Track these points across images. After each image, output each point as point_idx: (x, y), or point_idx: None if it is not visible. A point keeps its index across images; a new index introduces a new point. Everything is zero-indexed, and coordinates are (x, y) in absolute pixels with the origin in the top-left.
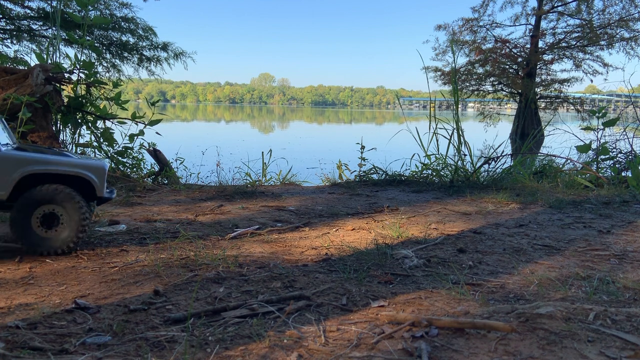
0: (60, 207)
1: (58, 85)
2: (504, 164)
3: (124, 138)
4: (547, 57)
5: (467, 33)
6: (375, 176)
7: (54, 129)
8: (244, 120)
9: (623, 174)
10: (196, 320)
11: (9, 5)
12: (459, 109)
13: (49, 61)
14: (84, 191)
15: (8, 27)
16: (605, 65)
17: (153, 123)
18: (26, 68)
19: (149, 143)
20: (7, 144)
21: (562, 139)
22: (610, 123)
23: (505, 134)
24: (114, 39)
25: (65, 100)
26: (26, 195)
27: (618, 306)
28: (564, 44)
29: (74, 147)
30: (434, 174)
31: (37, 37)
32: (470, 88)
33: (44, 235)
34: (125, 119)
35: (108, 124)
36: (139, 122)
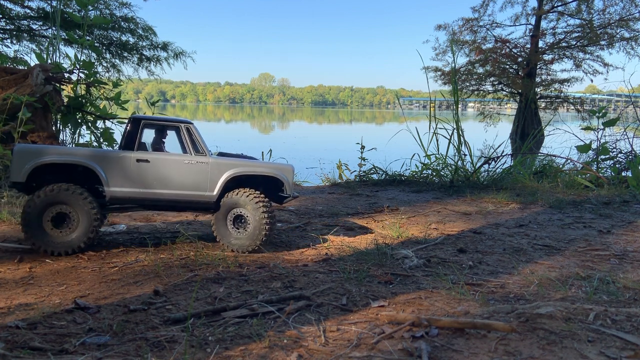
0: (246, 210)
1: (58, 85)
2: (504, 164)
3: None
4: (547, 57)
5: (467, 33)
6: (375, 176)
7: (54, 129)
8: (243, 120)
9: (623, 174)
10: (196, 320)
11: (9, 5)
12: (459, 109)
13: (49, 61)
14: (273, 191)
15: (8, 27)
16: (605, 65)
17: None
18: (26, 68)
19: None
20: (209, 151)
21: (562, 139)
22: (610, 123)
23: (505, 134)
24: (114, 39)
25: (65, 100)
26: (225, 199)
27: (618, 306)
28: (564, 44)
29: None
30: (434, 174)
31: (37, 37)
32: (470, 88)
33: (235, 234)
34: (125, 118)
35: (108, 124)
36: None
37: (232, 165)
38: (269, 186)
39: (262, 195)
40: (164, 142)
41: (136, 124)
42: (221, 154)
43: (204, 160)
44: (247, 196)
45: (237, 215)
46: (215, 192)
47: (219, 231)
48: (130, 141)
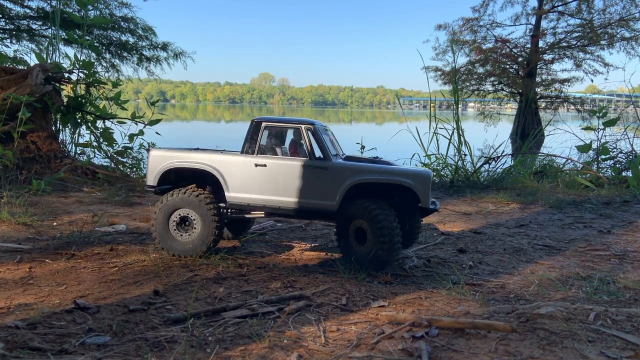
0: (366, 223)
1: (58, 85)
2: (504, 164)
3: (123, 138)
4: (547, 57)
5: (468, 33)
6: None
7: (53, 128)
8: (243, 120)
9: (623, 173)
10: (196, 320)
11: (9, 4)
12: (459, 108)
13: (49, 61)
14: (413, 201)
15: (8, 27)
16: (605, 64)
17: (153, 123)
18: (26, 68)
19: (148, 143)
20: (336, 154)
21: (563, 139)
22: (610, 123)
23: (506, 134)
24: (114, 39)
25: (65, 100)
26: (343, 209)
27: (618, 306)
28: (564, 44)
29: (73, 147)
30: (434, 173)
31: (36, 36)
32: (471, 88)
33: (356, 247)
34: (125, 118)
35: (108, 123)
36: (139, 122)
37: (354, 171)
38: (407, 196)
39: (381, 207)
40: (301, 145)
41: (257, 126)
42: (349, 158)
43: (324, 165)
44: (364, 206)
45: (357, 228)
46: (336, 200)
47: (339, 244)
48: (251, 144)
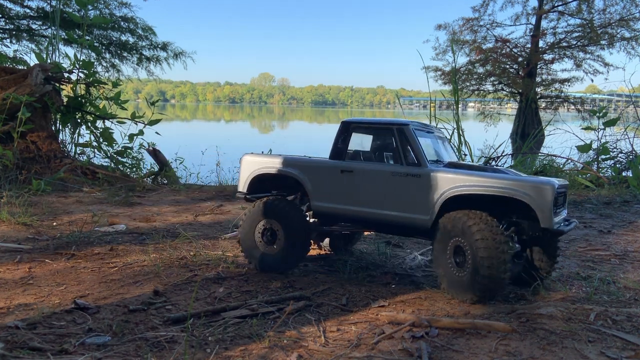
0: (467, 241)
1: (57, 85)
2: (504, 163)
3: (123, 138)
4: (547, 57)
5: (468, 32)
6: None
7: (53, 128)
8: (243, 120)
9: (624, 174)
10: (196, 320)
11: (9, 4)
12: (459, 108)
13: (49, 61)
14: (531, 221)
15: (7, 27)
16: (605, 64)
17: (152, 123)
18: (25, 68)
19: (148, 143)
20: (437, 161)
21: (563, 139)
22: (610, 123)
23: (506, 133)
24: (114, 39)
25: (65, 100)
26: (439, 225)
27: (619, 306)
28: (564, 44)
29: (73, 147)
30: None
31: (36, 36)
32: (471, 88)
33: (456, 273)
34: (125, 118)
35: (107, 123)
36: (139, 122)
37: (451, 180)
38: (528, 214)
39: (482, 220)
40: (395, 149)
41: (345, 128)
42: (452, 165)
43: (417, 172)
44: (460, 219)
45: (456, 246)
46: (429, 214)
47: (437, 266)
48: (338, 149)
